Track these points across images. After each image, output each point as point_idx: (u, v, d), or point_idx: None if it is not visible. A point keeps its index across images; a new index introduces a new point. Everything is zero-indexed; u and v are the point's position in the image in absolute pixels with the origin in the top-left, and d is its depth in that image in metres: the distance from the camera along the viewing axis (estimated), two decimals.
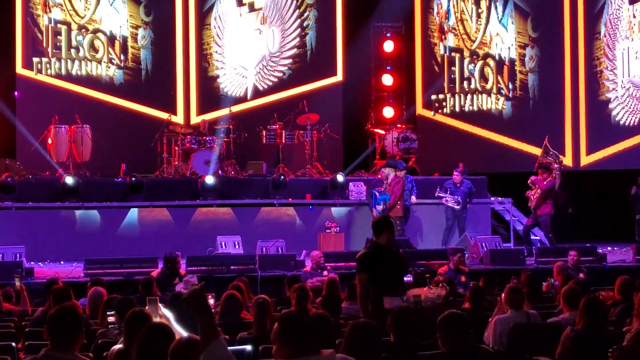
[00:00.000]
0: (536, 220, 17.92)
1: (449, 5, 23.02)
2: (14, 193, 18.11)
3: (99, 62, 21.62)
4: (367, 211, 18.27)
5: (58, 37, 21.39)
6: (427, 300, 8.69)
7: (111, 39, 21.71)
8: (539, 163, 18.23)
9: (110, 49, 21.70)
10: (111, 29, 21.73)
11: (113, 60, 21.75)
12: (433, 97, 23.28)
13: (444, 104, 23.15)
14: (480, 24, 22.55)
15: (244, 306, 9.31)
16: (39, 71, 21.22)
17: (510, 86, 22.16)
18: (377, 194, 16.90)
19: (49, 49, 21.31)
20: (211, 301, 9.45)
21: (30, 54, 21.26)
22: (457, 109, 22.96)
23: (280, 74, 22.82)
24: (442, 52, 23.15)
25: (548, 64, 21.90)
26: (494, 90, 22.39)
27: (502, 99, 22.28)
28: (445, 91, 23.10)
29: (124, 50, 21.79)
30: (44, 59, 21.30)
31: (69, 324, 5.68)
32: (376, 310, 8.72)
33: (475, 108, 22.61)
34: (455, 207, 18.38)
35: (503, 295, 8.82)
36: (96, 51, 21.61)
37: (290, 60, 22.88)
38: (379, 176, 18.49)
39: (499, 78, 22.32)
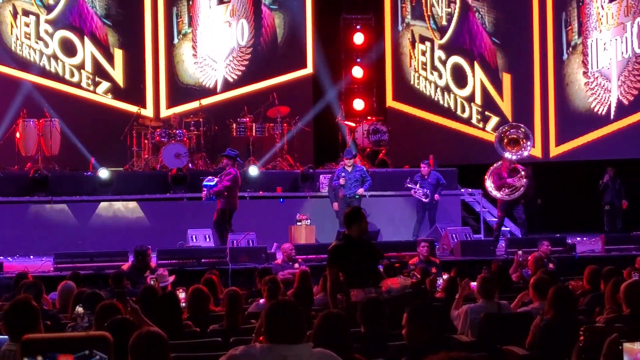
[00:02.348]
0: (511, 209, 17.82)
1: None
2: None
3: (68, 57, 21.45)
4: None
5: (28, 26, 21.20)
6: (390, 292, 8.72)
7: (80, 34, 21.52)
8: (508, 139, 17.91)
9: (79, 44, 21.51)
10: (79, 23, 21.54)
11: (84, 58, 21.57)
12: (412, 72, 23.20)
13: (417, 82, 23.07)
14: (452, 16, 22.56)
15: (211, 299, 9.29)
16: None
17: (480, 82, 22.18)
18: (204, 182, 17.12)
19: (20, 35, 21.11)
20: (182, 295, 9.44)
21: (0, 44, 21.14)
22: (427, 98, 22.93)
23: (250, 67, 22.72)
24: (411, 39, 23.10)
25: (517, 56, 21.98)
26: (470, 94, 22.34)
27: (475, 107, 22.24)
28: (417, 76, 23.05)
29: (93, 45, 21.59)
30: (17, 41, 21.13)
31: (24, 316, 5.65)
32: (347, 302, 8.78)
33: (445, 104, 22.63)
34: (424, 199, 18.40)
35: (475, 284, 8.87)
36: (65, 47, 21.41)
37: (259, 53, 22.80)
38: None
39: (470, 75, 22.31)
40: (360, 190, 17.73)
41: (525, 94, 21.72)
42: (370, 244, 9.41)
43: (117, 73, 21.73)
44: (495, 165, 17.80)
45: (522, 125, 18.21)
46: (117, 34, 21.75)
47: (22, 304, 5.77)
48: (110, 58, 21.69)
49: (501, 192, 17.55)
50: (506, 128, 18.10)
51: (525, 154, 17.89)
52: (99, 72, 21.60)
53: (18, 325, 5.62)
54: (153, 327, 5.25)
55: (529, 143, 17.86)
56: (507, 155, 17.63)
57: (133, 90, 21.69)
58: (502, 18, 22.09)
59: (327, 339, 5.66)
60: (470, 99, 22.28)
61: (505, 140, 17.78)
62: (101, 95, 21.48)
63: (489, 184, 17.66)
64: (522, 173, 17.52)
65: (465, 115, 22.31)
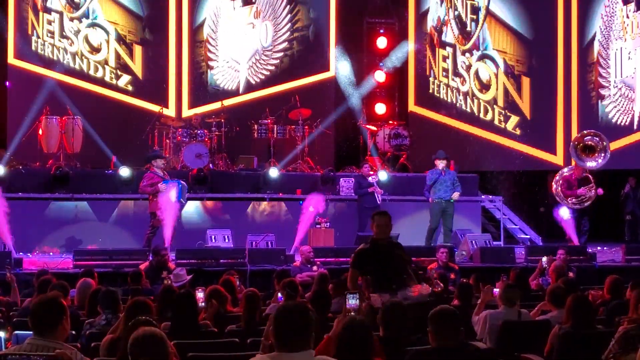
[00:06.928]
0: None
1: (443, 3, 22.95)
2: (4, 184, 18.09)
3: (93, 53, 21.53)
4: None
5: (51, 24, 21.30)
6: (406, 299, 8.68)
7: (105, 32, 21.61)
8: (584, 145, 17.56)
9: (104, 43, 21.61)
10: (104, 23, 21.63)
11: (108, 55, 21.66)
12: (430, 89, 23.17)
13: (437, 96, 23.02)
14: (477, 22, 22.47)
15: (228, 299, 9.30)
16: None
17: (504, 89, 22.07)
18: None
19: (42, 33, 21.22)
20: (200, 295, 9.44)
21: (23, 42, 21.16)
22: (448, 104, 22.85)
23: (273, 69, 22.75)
24: (435, 46, 23.05)
25: (541, 64, 21.86)
26: (492, 97, 22.21)
27: (497, 109, 22.11)
28: (437, 84, 22.99)
29: (118, 43, 21.68)
30: (39, 40, 21.23)
31: (53, 312, 5.66)
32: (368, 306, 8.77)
33: (467, 109, 22.54)
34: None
35: (497, 290, 8.85)
36: (90, 45, 21.51)
37: (282, 55, 22.82)
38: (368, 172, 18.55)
39: (493, 80, 22.20)
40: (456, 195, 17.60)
41: (548, 102, 21.60)
42: (398, 248, 9.36)
43: (138, 68, 21.82)
44: (565, 170, 17.64)
45: (601, 134, 18.03)
46: (141, 31, 21.83)
47: (51, 301, 5.78)
48: (131, 54, 21.78)
49: (568, 201, 17.41)
50: (584, 133, 17.97)
51: (592, 164, 17.60)
52: (122, 67, 21.69)
53: (44, 321, 5.63)
54: (150, 327, 5.26)
55: (603, 154, 17.65)
56: (582, 163, 17.48)
57: (154, 86, 21.77)
58: (526, 26, 21.97)
59: (350, 344, 5.65)
60: (493, 102, 22.14)
61: (580, 146, 17.62)
62: (123, 88, 21.57)
63: (557, 191, 17.49)
64: (593, 184, 17.40)
65: (488, 117, 22.16)
